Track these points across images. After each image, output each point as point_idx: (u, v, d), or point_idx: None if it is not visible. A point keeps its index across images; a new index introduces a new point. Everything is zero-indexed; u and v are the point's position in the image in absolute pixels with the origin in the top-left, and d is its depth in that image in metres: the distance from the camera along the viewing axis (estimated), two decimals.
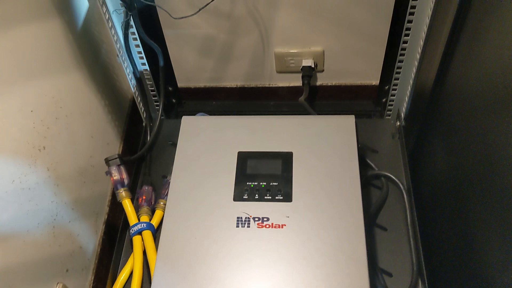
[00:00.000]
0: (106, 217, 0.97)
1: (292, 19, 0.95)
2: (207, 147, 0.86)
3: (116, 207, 0.99)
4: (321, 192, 0.79)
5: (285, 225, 0.76)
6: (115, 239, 0.91)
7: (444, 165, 0.89)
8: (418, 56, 0.86)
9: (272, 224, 0.76)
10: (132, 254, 0.86)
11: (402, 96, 0.97)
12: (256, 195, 0.79)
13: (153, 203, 0.92)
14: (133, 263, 0.84)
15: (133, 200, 0.91)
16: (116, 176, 0.89)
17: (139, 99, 1.01)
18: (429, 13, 0.78)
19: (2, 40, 0.67)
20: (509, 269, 0.62)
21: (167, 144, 1.02)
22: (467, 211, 0.77)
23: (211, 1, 0.81)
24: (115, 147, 1.04)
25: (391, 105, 1.01)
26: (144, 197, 0.91)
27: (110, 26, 0.86)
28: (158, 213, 0.89)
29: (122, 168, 0.90)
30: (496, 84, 0.67)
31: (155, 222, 0.88)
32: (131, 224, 0.87)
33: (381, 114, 1.07)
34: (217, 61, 1.06)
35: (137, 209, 0.90)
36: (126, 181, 0.89)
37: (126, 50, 0.92)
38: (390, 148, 0.97)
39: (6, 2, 0.68)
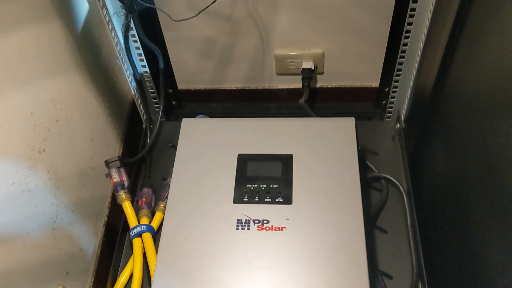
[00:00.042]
0: (106, 219, 0.97)
1: (292, 21, 0.95)
2: (207, 149, 0.86)
3: (116, 209, 0.99)
4: (321, 194, 0.79)
5: (285, 227, 0.76)
6: (115, 241, 0.91)
7: (444, 167, 0.89)
8: (418, 58, 0.86)
9: (272, 226, 0.76)
10: (132, 257, 0.86)
11: (402, 98, 0.97)
12: (256, 197, 0.79)
13: (153, 205, 0.92)
14: (133, 266, 0.84)
15: (133, 202, 0.91)
16: (116, 178, 0.89)
17: (139, 101, 1.01)
18: (429, 15, 0.78)
19: (2, 42, 0.67)
20: (510, 271, 0.62)
21: (167, 146, 1.02)
22: (467, 213, 0.77)
23: (211, 3, 0.81)
24: (115, 149, 1.04)
25: (391, 107, 1.01)
26: (144, 199, 0.91)
27: (110, 28, 0.86)
28: (158, 216, 0.89)
29: (122, 170, 0.90)
30: (496, 86, 0.67)
31: (155, 224, 0.88)
32: (131, 226, 0.87)
33: (381, 116, 1.07)
34: (217, 63, 1.06)
35: (137, 211, 0.90)
36: (126, 183, 0.89)
37: (126, 52, 0.92)
38: (390, 150, 0.97)
39: (6, 4, 0.68)
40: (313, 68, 1.02)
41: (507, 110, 0.63)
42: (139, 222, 0.88)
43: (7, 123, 0.67)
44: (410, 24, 0.83)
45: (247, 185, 0.81)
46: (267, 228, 0.76)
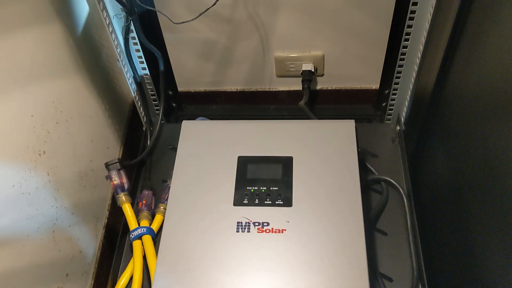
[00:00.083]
0: (106, 221, 0.97)
1: (292, 23, 0.95)
2: (207, 152, 0.86)
3: (116, 212, 0.99)
4: (321, 196, 0.79)
5: (285, 230, 0.76)
6: (115, 243, 0.91)
7: (444, 169, 0.89)
8: (418, 61, 0.86)
9: (272, 229, 0.76)
10: (132, 259, 0.86)
11: (402, 101, 0.97)
12: (256, 199, 0.79)
13: (153, 207, 0.92)
14: (133, 268, 0.84)
15: (133, 204, 0.91)
16: (116, 180, 0.88)
17: (139, 103, 1.01)
18: (429, 18, 0.78)
19: (2, 44, 0.67)
20: (510, 274, 0.62)
21: (167, 149, 1.02)
22: (467, 216, 0.77)
23: (212, 5, 0.81)
24: (115, 151, 1.04)
25: (391, 109, 1.01)
26: (144, 202, 0.91)
27: (110, 30, 0.87)
28: (158, 218, 0.89)
29: (122, 172, 0.90)
30: (496, 88, 0.67)
31: (155, 226, 0.88)
32: (131, 228, 0.87)
33: (381, 119, 1.07)
34: (217, 65, 1.06)
35: (137, 213, 0.90)
36: (126, 186, 0.89)
37: (127, 55, 0.92)
38: (390, 153, 0.97)
39: (6, 6, 0.68)
40: (313, 70, 1.02)
41: (507, 112, 0.63)
42: (139, 224, 0.88)
43: (7, 125, 0.67)
44: (410, 26, 0.83)
45: (247, 187, 0.81)
46: (267, 231, 0.76)
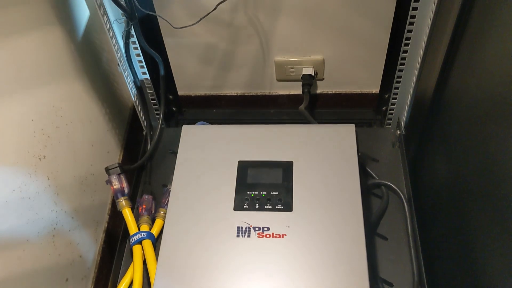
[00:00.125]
0: (106, 225, 0.97)
1: (292, 27, 0.95)
2: (207, 156, 0.86)
3: (116, 216, 0.99)
4: (321, 201, 0.78)
5: (285, 234, 0.76)
6: (115, 248, 0.90)
7: (445, 173, 0.89)
8: (418, 65, 0.86)
9: (273, 233, 0.76)
10: (132, 264, 0.86)
11: (402, 105, 0.97)
12: (257, 204, 0.79)
13: (153, 212, 0.92)
14: (133, 273, 0.84)
15: (133, 209, 0.91)
16: (116, 185, 0.88)
17: (139, 107, 1.01)
18: (429, 22, 0.79)
19: (3, 49, 0.67)
20: (510, 279, 0.61)
21: (168, 153, 1.02)
22: (468, 220, 0.77)
23: (212, 10, 0.81)
24: (115, 156, 1.04)
25: (391, 113, 1.01)
26: (144, 206, 0.91)
27: (111, 35, 0.87)
28: (158, 222, 0.89)
29: (122, 177, 0.89)
30: (496, 93, 0.67)
31: (155, 231, 0.88)
32: (131, 233, 0.87)
33: (381, 123, 1.07)
34: (217, 69, 1.06)
35: (137, 218, 0.89)
36: (126, 190, 0.89)
37: (127, 59, 0.92)
38: (390, 157, 0.97)
39: (7, 11, 0.68)
40: (313, 74, 1.02)
41: (507, 116, 0.63)
42: (139, 229, 0.88)
43: (7, 130, 0.67)
44: (410, 31, 0.83)
45: (248, 192, 0.81)
46: (268, 236, 0.76)
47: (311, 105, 1.09)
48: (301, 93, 1.05)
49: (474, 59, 0.76)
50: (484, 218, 0.70)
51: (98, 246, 0.93)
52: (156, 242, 0.87)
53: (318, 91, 1.09)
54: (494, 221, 0.67)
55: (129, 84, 0.96)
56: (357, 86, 1.07)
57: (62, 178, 0.81)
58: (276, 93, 1.10)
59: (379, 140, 1.00)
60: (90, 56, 0.92)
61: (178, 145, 0.88)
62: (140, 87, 0.99)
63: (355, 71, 1.03)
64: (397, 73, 0.92)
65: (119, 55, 0.90)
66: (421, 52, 0.83)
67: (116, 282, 0.86)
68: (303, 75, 1.02)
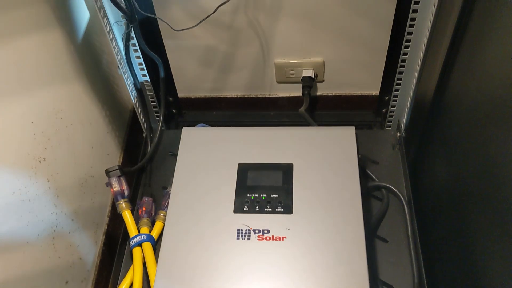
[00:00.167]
0: (106, 228, 0.97)
1: (292, 30, 0.95)
2: (207, 159, 0.86)
3: (116, 218, 0.99)
4: (321, 204, 0.78)
5: (285, 237, 0.76)
6: (115, 250, 0.90)
7: (445, 176, 0.89)
8: (418, 67, 0.86)
9: (273, 236, 0.76)
10: (132, 266, 0.86)
11: (402, 107, 0.97)
12: (257, 207, 0.79)
13: (153, 214, 0.91)
14: (133, 275, 0.84)
15: (133, 211, 0.91)
16: (116, 187, 0.88)
17: (139, 109, 1.01)
18: (429, 25, 0.79)
19: (3, 51, 0.67)
20: (510, 281, 0.61)
21: (168, 155, 1.02)
22: (468, 222, 0.76)
23: (212, 13, 0.81)
24: (115, 158, 1.04)
25: (392, 115, 1.01)
26: (144, 209, 0.91)
27: (111, 37, 0.87)
28: (158, 225, 0.89)
29: (122, 179, 0.89)
30: (496, 95, 0.67)
31: (155, 233, 0.88)
32: (131, 235, 0.87)
33: (381, 125, 1.07)
34: (217, 72, 1.06)
35: (137, 220, 0.89)
36: (126, 192, 0.89)
37: (127, 62, 0.92)
38: (390, 159, 0.97)
39: (7, 13, 0.68)
40: (313, 76, 1.02)
41: (507, 118, 0.63)
42: (139, 231, 0.87)
43: (7, 132, 0.67)
44: (410, 33, 0.83)
45: (248, 195, 0.80)
46: (268, 238, 0.76)
47: (311, 107, 1.09)
48: (301, 95, 1.05)
49: (474, 62, 0.76)
50: (484, 221, 0.70)
51: (98, 249, 0.93)
52: (156, 244, 0.87)
53: (318, 93, 1.09)
54: (494, 223, 0.67)
55: (129, 86, 0.96)
56: (357, 88, 1.07)
57: (62, 180, 0.81)
58: (276, 95, 1.11)
59: (379, 142, 1.00)
60: (90, 58, 0.92)
61: (178, 147, 0.88)
62: (140, 89, 0.99)
63: (355, 73, 1.03)
64: (397, 75, 0.92)
65: (119, 57, 0.90)
66: (421, 55, 0.84)
67: (116, 285, 0.85)
68: (303, 77, 1.02)
